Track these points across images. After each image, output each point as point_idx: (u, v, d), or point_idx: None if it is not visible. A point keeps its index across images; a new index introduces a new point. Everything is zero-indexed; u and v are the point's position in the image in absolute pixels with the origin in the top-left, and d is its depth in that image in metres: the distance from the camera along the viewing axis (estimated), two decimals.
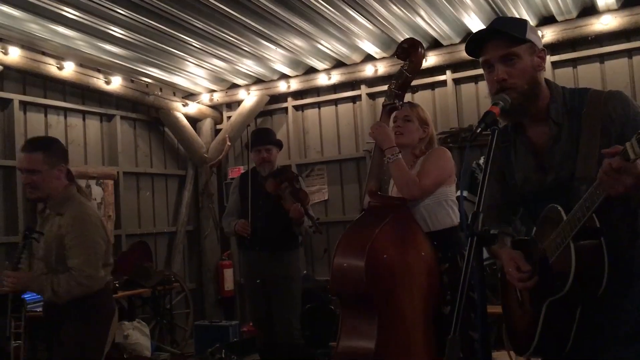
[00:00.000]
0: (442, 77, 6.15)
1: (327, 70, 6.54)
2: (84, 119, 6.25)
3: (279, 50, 5.91)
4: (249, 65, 6.40)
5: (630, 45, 5.36)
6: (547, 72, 5.57)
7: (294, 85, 6.77)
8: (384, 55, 6.20)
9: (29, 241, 2.97)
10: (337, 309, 5.59)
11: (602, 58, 5.52)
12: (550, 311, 1.76)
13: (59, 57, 5.64)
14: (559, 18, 5.41)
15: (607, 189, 1.52)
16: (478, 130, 1.68)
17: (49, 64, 5.54)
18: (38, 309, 4.14)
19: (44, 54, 5.55)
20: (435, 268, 2.65)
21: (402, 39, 2.95)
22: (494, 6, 5.11)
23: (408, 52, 2.76)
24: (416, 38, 5.68)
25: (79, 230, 2.84)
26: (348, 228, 2.76)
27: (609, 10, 5.23)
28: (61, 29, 5.07)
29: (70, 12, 4.75)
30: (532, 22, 5.45)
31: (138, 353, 5.09)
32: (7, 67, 5.25)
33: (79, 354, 2.83)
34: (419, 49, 2.76)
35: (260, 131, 4.77)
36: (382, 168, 2.82)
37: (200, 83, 6.95)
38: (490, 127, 1.68)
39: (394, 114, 2.93)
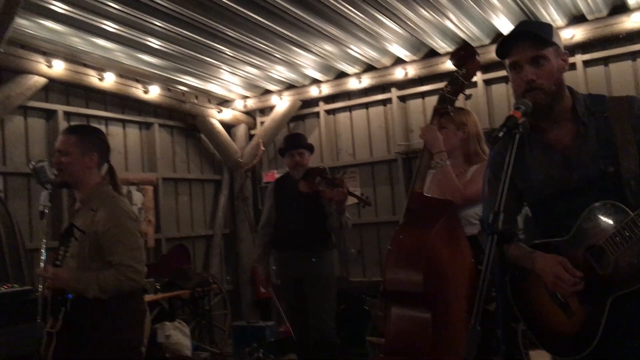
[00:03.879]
0: (473, 78, 6.17)
1: (357, 74, 6.64)
2: (124, 128, 6.49)
3: (310, 55, 6.04)
4: (280, 72, 6.55)
5: None
6: (579, 72, 5.58)
7: (325, 89, 6.88)
8: (414, 58, 6.27)
9: (68, 239, 2.82)
10: (372, 309, 5.67)
11: (634, 56, 5.47)
12: (613, 308, 1.80)
13: (100, 69, 5.88)
14: (589, 17, 5.40)
15: None
16: (500, 134, 1.76)
17: (91, 76, 5.78)
18: None
19: (85, 66, 5.79)
20: (475, 268, 2.70)
21: (458, 47, 2.92)
22: (522, 7, 5.12)
23: (464, 58, 2.79)
24: (445, 40, 5.77)
25: (119, 226, 2.76)
26: (399, 228, 2.79)
27: None
28: (101, 42, 5.30)
29: (109, 25, 4.96)
30: (562, 21, 5.45)
31: (179, 352, 5.27)
32: (52, 80, 5.50)
33: (116, 353, 2.75)
34: (476, 56, 2.80)
35: (292, 136, 4.92)
36: (428, 170, 2.89)
37: (234, 90, 7.13)
38: (512, 131, 1.77)
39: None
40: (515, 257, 2.02)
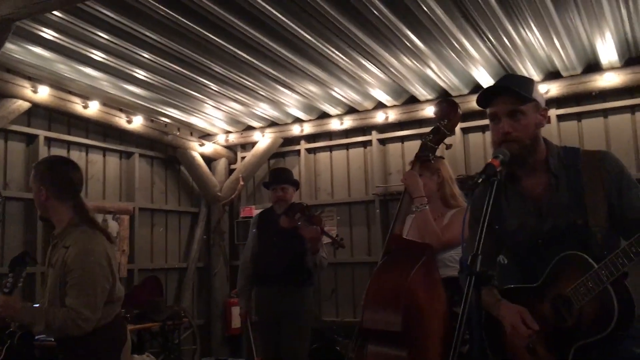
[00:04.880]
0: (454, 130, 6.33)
1: (339, 116, 6.78)
2: (104, 156, 6.49)
3: (294, 95, 6.16)
4: (264, 109, 6.65)
5: (633, 101, 5.54)
6: (553, 125, 5.77)
7: (307, 129, 7.00)
8: (395, 103, 6.43)
9: (21, 266, 2.82)
10: (344, 350, 5.66)
11: (605, 113, 5.70)
12: (577, 356, 1.87)
13: (85, 97, 5.91)
14: (564, 74, 5.63)
15: None
16: (479, 181, 1.84)
17: (75, 103, 5.81)
18: (51, 339, 4.27)
19: (70, 93, 5.82)
20: (449, 310, 2.78)
21: (441, 99, 3.05)
22: (501, 60, 5.32)
23: (447, 111, 2.94)
24: (426, 88, 5.95)
25: (81, 269, 2.67)
26: (378, 269, 2.88)
27: (612, 68, 5.43)
28: (88, 70, 5.35)
29: (97, 55, 5.02)
30: (537, 77, 5.67)
31: None
32: (36, 105, 5.52)
33: None
34: (458, 110, 2.95)
35: (278, 170, 4.94)
36: (408, 213, 3.01)
37: (217, 124, 7.20)
38: (490, 178, 1.85)
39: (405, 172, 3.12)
40: (486, 303, 2.09)
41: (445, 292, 2.80)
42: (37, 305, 2.77)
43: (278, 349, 4.40)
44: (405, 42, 4.88)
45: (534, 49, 5.11)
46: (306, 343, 4.49)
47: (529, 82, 2.14)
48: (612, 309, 1.80)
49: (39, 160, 2.98)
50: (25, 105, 5.42)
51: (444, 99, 3.07)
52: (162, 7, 4.25)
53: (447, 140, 2.99)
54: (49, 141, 5.86)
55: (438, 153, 3.09)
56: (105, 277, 2.72)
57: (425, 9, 4.30)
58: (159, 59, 5.12)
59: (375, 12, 4.35)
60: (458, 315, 2.78)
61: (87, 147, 6.28)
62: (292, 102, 6.43)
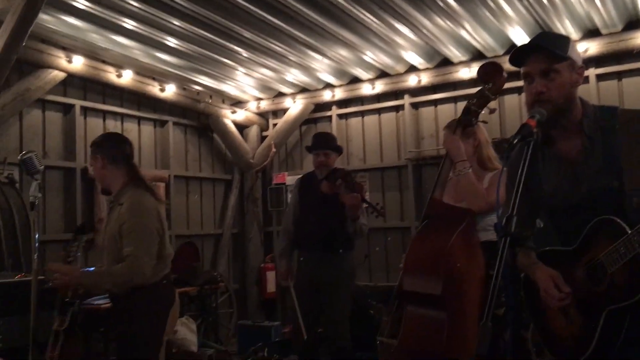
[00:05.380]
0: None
1: (371, 80, 6.70)
2: (139, 124, 6.58)
3: (325, 60, 6.10)
4: (295, 75, 6.61)
5: None
6: (592, 85, 5.61)
7: (339, 94, 6.94)
8: (428, 66, 6.32)
9: (81, 237, 3.15)
10: (377, 314, 5.71)
11: None
12: (609, 319, 1.85)
13: (118, 66, 5.97)
14: (603, 31, 5.43)
15: None
16: (515, 142, 1.81)
17: (109, 72, 5.88)
18: (96, 302, 4.44)
19: (104, 62, 5.88)
20: (486, 274, 2.78)
21: (485, 62, 2.93)
22: (537, 19, 5.17)
23: (492, 75, 2.85)
24: (459, 49, 5.82)
25: (136, 217, 2.89)
26: (418, 233, 2.89)
27: None
28: (120, 39, 5.39)
29: (129, 23, 5.05)
30: (576, 35, 5.49)
31: (185, 348, 5.32)
32: (71, 75, 5.60)
33: (137, 343, 2.92)
34: (503, 74, 2.86)
35: (320, 135, 4.82)
36: (448, 178, 2.99)
37: (248, 91, 7.21)
38: (526, 139, 1.81)
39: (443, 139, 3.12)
40: (522, 265, 2.08)
41: (483, 256, 2.80)
42: (93, 269, 2.98)
43: (316, 315, 4.43)
44: (438, 2, 4.78)
45: (572, 6, 4.95)
46: (346, 309, 4.46)
47: (564, 40, 2.06)
48: (637, 278, 1.76)
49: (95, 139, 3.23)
50: (61, 75, 5.50)
51: (489, 61, 2.97)
52: None
53: (491, 104, 2.92)
54: (84, 110, 5.96)
55: (481, 117, 3.02)
56: (155, 227, 2.94)
57: None
58: (189, 26, 5.11)
59: None
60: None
61: (122, 116, 6.37)
62: (322, 67, 6.38)
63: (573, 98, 2.02)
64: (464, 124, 2.93)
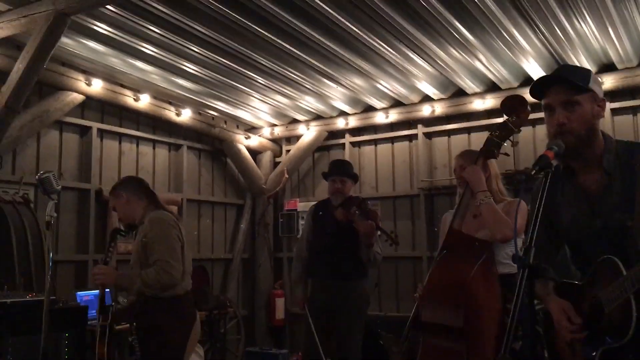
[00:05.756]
0: (499, 120, 6.22)
1: (385, 109, 6.74)
2: (154, 148, 6.64)
3: (339, 88, 6.15)
4: (309, 102, 6.67)
5: None
6: (607, 119, 5.60)
7: (352, 122, 6.99)
8: (442, 96, 6.35)
9: (114, 239, 3.54)
10: (387, 344, 5.64)
11: None
12: (604, 357, 1.85)
13: (136, 90, 6.06)
14: (619, 66, 5.45)
15: None
16: (533, 173, 1.81)
17: (127, 96, 5.97)
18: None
19: (122, 86, 5.97)
20: (503, 307, 2.76)
21: (509, 96, 2.94)
22: (553, 53, 5.19)
23: (516, 108, 2.87)
24: (474, 81, 5.85)
25: (157, 229, 3.24)
26: (438, 264, 2.86)
27: None
28: (139, 64, 5.48)
29: (148, 48, 5.14)
30: (592, 69, 5.49)
31: None
32: (89, 97, 5.69)
33: (160, 355, 3.14)
34: (527, 107, 2.87)
35: (337, 162, 4.83)
36: (468, 209, 2.98)
37: (263, 117, 7.27)
38: (544, 170, 1.81)
39: (454, 167, 3.22)
40: (539, 296, 2.08)
41: (500, 289, 2.78)
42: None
43: (328, 343, 4.36)
44: (454, 33, 4.81)
45: (588, 41, 4.97)
46: (359, 337, 4.41)
47: (585, 72, 2.07)
48: (630, 318, 1.76)
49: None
50: (80, 97, 5.59)
51: (513, 94, 2.98)
52: (211, 1, 4.31)
53: (514, 137, 2.93)
54: (101, 133, 6.03)
55: (502, 150, 3.03)
56: (177, 235, 3.26)
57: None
58: (207, 52, 5.19)
59: (423, 3, 4.31)
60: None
61: (138, 139, 6.43)
62: (337, 95, 6.43)
63: (595, 130, 2.02)
64: (486, 155, 2.94)
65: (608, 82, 5.47)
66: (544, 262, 1.70)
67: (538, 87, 2.08)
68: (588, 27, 4.67)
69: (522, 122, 2.87)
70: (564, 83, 2.00)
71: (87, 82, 5.56)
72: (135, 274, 3.16)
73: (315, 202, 4.92)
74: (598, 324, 1.89)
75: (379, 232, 4.34)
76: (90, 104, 5.88)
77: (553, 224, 2.10)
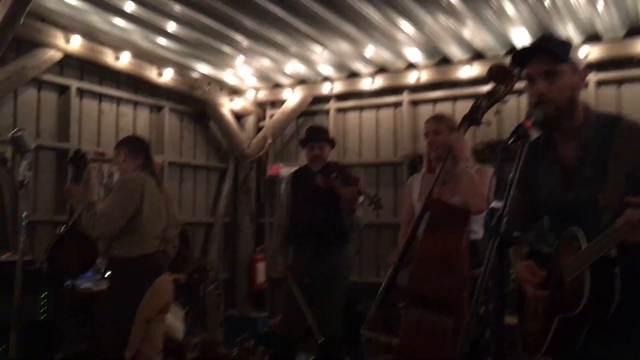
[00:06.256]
0: (484, 88, 6.17)
1: (370, 75, 6.67)
2: (135, 109, 6.53)
3: (325, 53, 6.06)
4: (294, 66, 6.58)
5: None
6: (591, 91, 5.58)
7: (338, 87, 6.91)
8: (428, 63, 6.29)
9: (75, 163, 3.68)
10: (364, 310, 5.69)
11: None
12: (561, 326, 1.89)
13: (116, 48, 5.91)
14: (605, 36, 5.42)
15: (626, 236, 1.64)
16: (509, 142, 1.79)
17: (107, 54, 5.82)
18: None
19: (102, 44, 5.82)
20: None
21: (498, 65, 2.95)
22: (540, 20, 5.14)
23: (505, 78, 2.84)
24: (460, 48, 5.79)
25: (117, 186, 3.53)
26: (426, 234, 2.86)
27: None
28: (120, 22, 5.33)
29: (129, 5, 4.99)
30: (578, 39, 5.46)
31: (171, 335, 5.29)
32: (68, 55, 5.54)
33: (107, 308, 3.34)
34: (514, 78, 2.85)
35: (314, 128, 4.85)
36: (449, 175, 2.97)
37: (247, 80, 7.16)
38: (521, 139, 1.80)
39: (425, 130, 3.16)
40: (511, 261, 2.12)
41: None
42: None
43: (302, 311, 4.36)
44: (442, 0, 4.74)
45: (575, 10, 4.92)
46: (339, 305, 4.44)
47: (565, 44, 2.09)
48: (582, 293, 1.80)
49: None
50: (58, 55, 5.44)
51: (500, 64, 2.95)
52: None
53: (498, 107, 2.93)
54: (80, 92, 5.90)
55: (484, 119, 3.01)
56: (128, 202, 3.34)
57: None
58: (190, 11, 5.06)
59: None
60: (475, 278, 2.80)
61: (118, 100, 6.32)
62: (322, 60, 6.34)
63: (575, 101, 2.02)
64: (471, 122, 2.92)
65: (594, 52, 5.44)
66: (517, 230, 1.70)
67: (520, 56, 2.06)
68: None
69: (509, 91, 2.86)
70: (546, 53, 2.00)
71: (65, 39, 5.41)
72: (86, 212, 3.27)
73: (293, 170, 4.90)
74: (559, 293, 1.92)
75: (361, 197, 4.33)
76: (69, 62, 5.73)
77: (532, 194, 2.11)
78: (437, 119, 3.32)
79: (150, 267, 3.40)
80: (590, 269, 1.78)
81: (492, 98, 2.87)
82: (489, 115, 2.91)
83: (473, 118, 2.90)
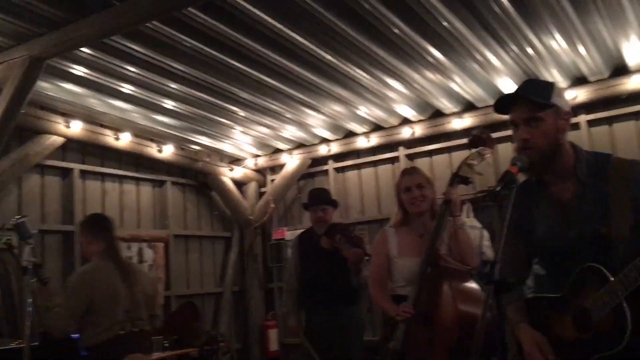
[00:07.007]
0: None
1: (365, 134, 6.79)
2: (137, 185, 6.63)
3: (320, 116, 6.20)
4: (291, 131, 6.71)
5: None
6: (583, 131, 5.67)
7: (335, 148, 7.03)
8: (420, 118, 6.42)
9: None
10: None
11: (637, 116, 5.56)
12: None
13: (116, 129, 6.07)
14: (591, 78, 5.53)
15: None
16: (498, 189, 1.83)
17: (107, 135, 5.98)
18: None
19: (102, 126, 5.99)
20: None
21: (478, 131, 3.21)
22: (525, 69, 5.27)
23: (485, 142, 3.06)
24: (451, 101, 5.92)
25: (70, 280, 3.45)
26: (454, 286, 2.88)
27: None
28: (118, 103, 5.51)
29: (126, 88, 5.17)
30: (564, 83, 5.58)
31: None
32: (70, 139, 5.70)
33: None
34: (492, 137, 3.16)
35: (316, 191, 4.89)
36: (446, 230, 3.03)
37: (246, 149, 7.30)
38: (509, 186, 1.84)
39: (407, 184, 3.21)
40: (510, 320, 2.07)
41: None
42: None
43: None
44: (427, 57, 4.89)
45: (558, 56, 5.06)
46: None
47: (548, 87, 2.07)
48: (625, 324, 1.75)
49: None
50: (60, 140, 5.59)
51: (476, 133, 3.15)
52: (187, 39, 4.36)
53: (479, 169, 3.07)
54: (83, 174, 6.02)
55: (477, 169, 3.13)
56: (80, 298, 3.27)
57: (444, 23, 4.32)
58: (186, 88, 5.24)
59: (394, 29, 4.38)
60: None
61: (121, 178, 6.43)
62: (318, 123, 6.48)
63: (560, 144, 2.02)
64: (464, 182, 3.02)
65: (581, 94, 5.55)
66: (510, 278, 1.71)
67: (502, 104, 2.11)
68: (556, 43, 4.76)
69: (490, 149, 3.06)
70: (526, 99, 2.02)
71: (66, 124, 5.57)
72: (51, 312, 3.25)
73: (298, 233, 4.94)
74: (584, 335, 1.87)
75: (366, 258, 4.33)
76: (71, 146, 5.88)
77: (528, 238, 2.11)
78: (414, 172, 3.32)
79: (113, 351, 3.28)
80: (626, 301, 1.75)
81: (482, 160, 3.04)
82: (479, 167, 3.01)
83: (465, 178, 3.01)
